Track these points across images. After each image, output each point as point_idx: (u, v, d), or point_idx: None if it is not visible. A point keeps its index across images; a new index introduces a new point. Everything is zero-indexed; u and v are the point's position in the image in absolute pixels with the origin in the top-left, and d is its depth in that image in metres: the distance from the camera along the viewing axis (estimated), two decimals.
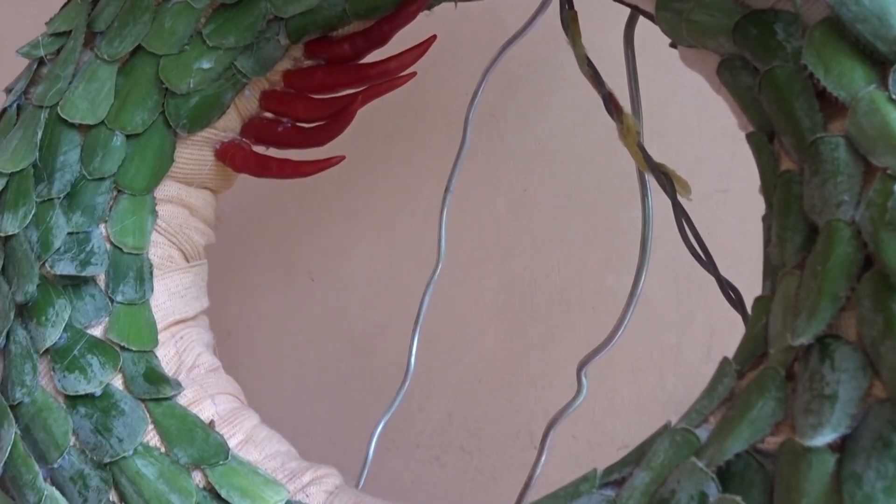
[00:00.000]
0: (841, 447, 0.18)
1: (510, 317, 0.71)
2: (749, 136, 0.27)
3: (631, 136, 0.35)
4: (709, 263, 0.34)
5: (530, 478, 0.41)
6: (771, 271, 0.24)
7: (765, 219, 0.26)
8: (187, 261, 0.34)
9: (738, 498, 0.18)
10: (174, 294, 0.33)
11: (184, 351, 0.31)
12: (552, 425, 0.41)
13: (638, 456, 0.22)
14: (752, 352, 0.23)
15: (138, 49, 0.32)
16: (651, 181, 0.37)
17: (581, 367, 0.40)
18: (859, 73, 0.22)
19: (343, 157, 0.36)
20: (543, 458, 0.41)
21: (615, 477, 0.22)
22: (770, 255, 0.24)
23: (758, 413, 0.20)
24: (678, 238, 0.36)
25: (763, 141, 0.26)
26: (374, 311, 0.73)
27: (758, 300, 0.24)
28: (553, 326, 0.70)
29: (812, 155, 0.23)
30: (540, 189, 0.69)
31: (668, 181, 0.35)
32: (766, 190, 0.26)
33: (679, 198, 0.35)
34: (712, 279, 0.35)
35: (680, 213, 0.35)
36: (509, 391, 0.72)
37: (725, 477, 0.19)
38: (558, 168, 0.68)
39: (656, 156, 0.38)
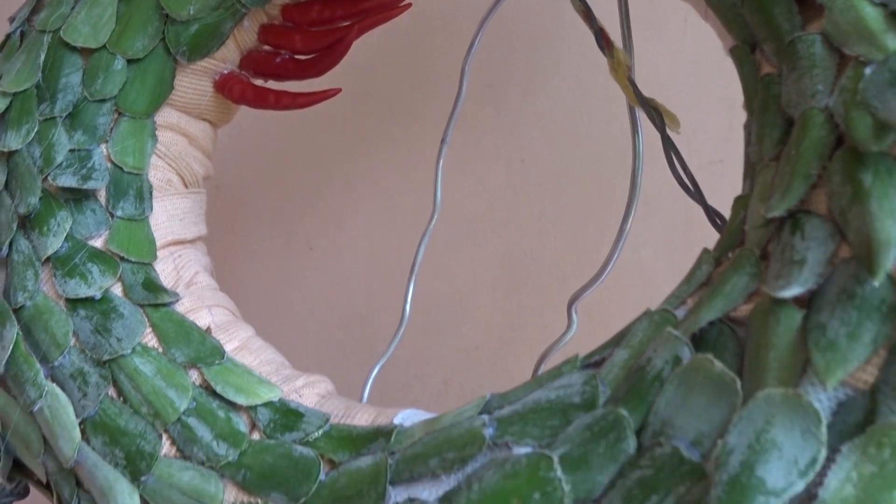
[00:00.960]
0: (807, 304, 0.19)
1: (506, 286, 0.72)
2: (732, 50, 0.28)
3: (622, 70, 0.36)
4: (696, 193, 0.35)
5: None
6: (750, 170, 0.25)
7: (746, 126, 0.27)
8: (186, 187, 0.35)
9: (710, 355, 0.19)
10: (173, 216, 0.34)
11: (182, 268, 0.32)
12: (543, 359, 0.41)
13: (618, 339, 0.23)
14: (730, 243, 0.23)
15: None
16: (641, 117, 0.38)
17: (571, 302, 0.41)
18: None
19: (339, 90, 0.37)
20: None
21: (596, 358, 0.23)
22: (749, 155, 0.25)
23: (732, 287, 0.21)
24: (665, 193, 0.37)
25: (745, 52, 0.27)
26: (373, 281, 0.74)
27: (737, 199, 0.25)
28: (549, 296, 0.71)
29: (790, 54, 0.24)
30: (538, 160, 0.70)
31: (657, 115, 0.36)
32: (748, 99, 0.27)
33: (668, 132, 0.36)
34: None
35: (669, 146, 0.36)
36: (505, 359, 0.73)
37: (699, 344, 0.20)
38: (556, 140, 0.69)
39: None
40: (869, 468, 0.16)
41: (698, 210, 0.37)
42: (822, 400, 0.18)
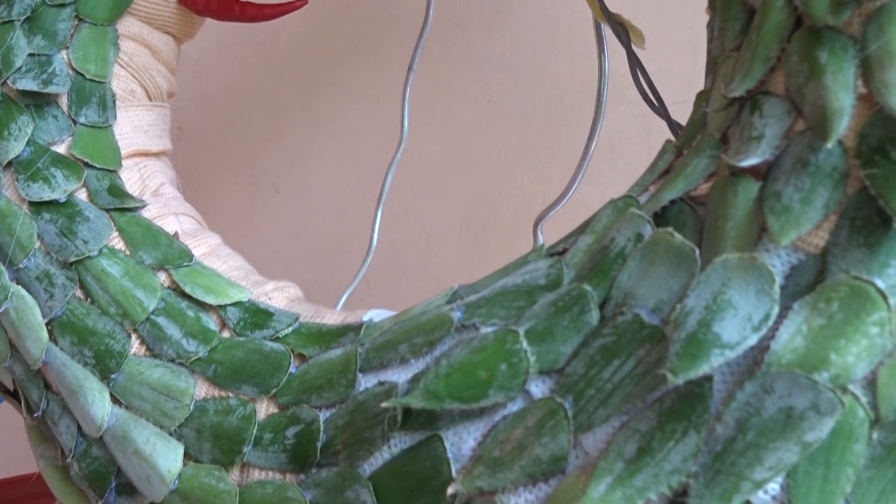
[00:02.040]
0: (764, 175, 0.19)
1: (474, 227, 0.72)
2: None
3: None
4: (660, 108, 0.36)
5: None
6: (712, 64, 0.25)
7: (708, 24, 0.27)
8: (150, 99, 0.35)
9: (671, 229, 0.20)
10: (137, 128, 0.33)
11: (147, 177, 0.32)
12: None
13: (583, 228, 0.24)
14: (692, 133, 0.24)
15: None
16: (608, 34, 0.38)
17: (537, 222, 0.42)
18: None
19: (305, 2, 0.36)
20: None
21: (561, 247, 0.23)
22: (712, 50, 0.26)
23: (692, 168, 0.21)
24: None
25: None
26: (340, 222, 0.74)
27: (699, 94, 0.26)
28: (516, 237, 0.72)
29: None
30: (505, 100, 0.70)
31: (623, 31, 0.36)
32: (711, 2, 0.27)
33: (633, 47, 0.37)
34: None
35: (634, 62, 0.36)
36: None
37: (660, 222, 0.21)
38: (523, 79, 0.69)
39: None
40: (818, 321, 0.17)
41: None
42: (776, 263, 0.18)
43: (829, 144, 0.17)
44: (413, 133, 0.54)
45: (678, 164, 0.23)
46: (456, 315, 0.22)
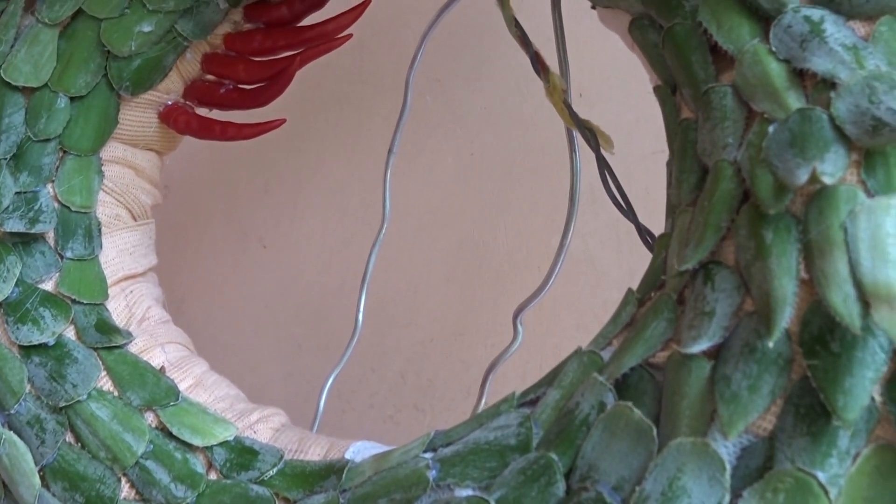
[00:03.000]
0: (715, 355, 0.21)
1: (459, 278, 0.73)
2: (655, 90, 0.30)
3: (557, 94, 0.38)
4: (629, 211, 0.37)
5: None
6: (671, 210, 0.27)
7: (668, 164, 0.28)
8: (135, 219, 0.36)
9: (630, 404, 0.21)
10: (123, 251, 0.34)
11: (134, 304, 0.33)
12: (490, 371, 0.43)
13: (551, 377, 0.25)
14: (652, 282, 0.25)
15: (79, 13, 0.33)
16: (578, 138, 0.39)
17: (517, 314, 0.43)
18: (746, 28, 0.25)
19: (284, 120, 0.37)
20: (483, 401, 0.43)
21: (531, 397, 0.25)
22: (670, 196, 0.27)
23: (651, 332, 0.23)
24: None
25: (667, 93, 0.29)
26: (327, 276, 0.75)
27: (660, 237, 0.27)
28: (501, 286, 0.73)
29: (705, 103, 0.25)
30: (487, 153, 0.71)
31: (592, 136, 0.37)
32: (669, 138, 0.28)
33: (602, 152, 0.38)
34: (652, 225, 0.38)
35: (603, 165, 0.38)
36: (460, 350, 0.75)
37: (622, 388, 0.22)
38: (504, 132, 0.70)
39: (598, 116, 0.40)
40: None
41: (645, 201, 0.38)
42: (728, 446, 0.19)
43: (771, 343, 0.19)
44: (397, 186, 0.55)
45: (639, 319, 0.24)
46: (432, 474, 0.23)
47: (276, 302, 0.77)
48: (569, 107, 0.38)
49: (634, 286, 0.28)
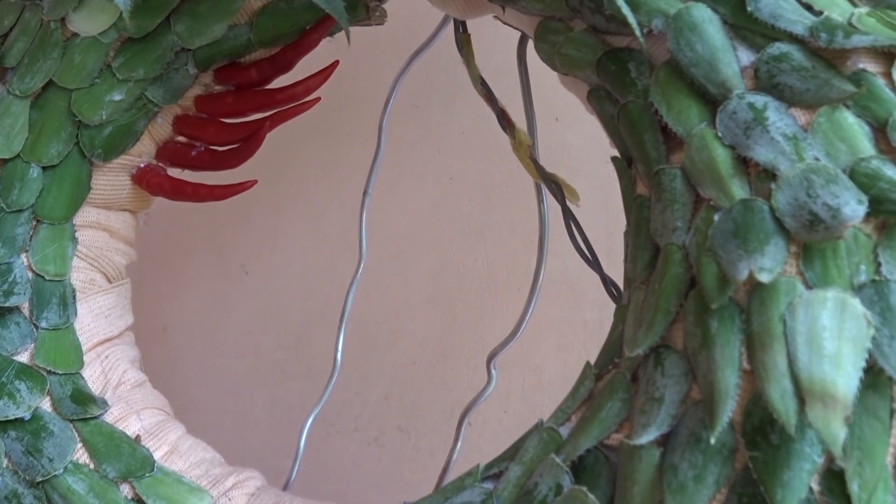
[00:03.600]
0: (664, 443, 0.21)
1: (441, 301, 0.74)
2: (613, 160, 0.30)
3: (523, 149, 0.38)
4: (594, 263, 0.38)
5: (448, 462, 0.45)
6: (627, 283, 0.28)
7: (625, 235, 0.29)
8: (109, 282, 0.36)
9: (584, 489, 0.22)
10: (98, 315, 0.35)
11: (109, 370, 0.33)
12: (465, 414, 0.44)
13: (514, 452, 0.26)
14: (610, 357, 0.26)
15: (50, 84, 0.34)
16: (546, 191, 0.40)
17: (490, 358, 0.44)
18: (694, 111, 0.26)
19: (255, 182, 0.38)
20: (459, 443, 0.44)
21: (494, 471, 0.25)
22: (627, 270, 0.28)
23: (606, 413, 0.23)
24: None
25: (623, 165, 0.29)
26: (309, 302, 0.75)
27: (618, 309, 0.28)
28: (482, 309, 0.74)
29: (656, 183, 0.26)
30: (465, 177, 0.72)
31: (557, 189, 0.38)
32: (626, 211, 0.29)
33: (568, 203, 0.39)
34: None
35: (569, 218, 0.38)
36: (443, 372, 0.75)
37: (578, 469, 0.23)
38: (482, 156, 0.71)
39: (574, 139, 0.41)
40: None
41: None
42: None
43: (713, 440, 0.19)
44: (378, 209, 0.56)
45: (597, 394, 0.25)
46: None
47: (258, 328, 0.78)
48: (535, 161, 0.39)
49: (613, 307, 0.28)
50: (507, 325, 0.60)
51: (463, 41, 0.39)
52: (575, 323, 0.69)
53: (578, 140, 0.65)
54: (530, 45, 0.40)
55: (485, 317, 0.73)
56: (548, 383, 0.72)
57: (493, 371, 0.44)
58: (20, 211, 0.33)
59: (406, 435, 0.79)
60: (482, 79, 0.39)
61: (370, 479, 0.79)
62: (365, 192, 0.52)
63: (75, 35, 0.34)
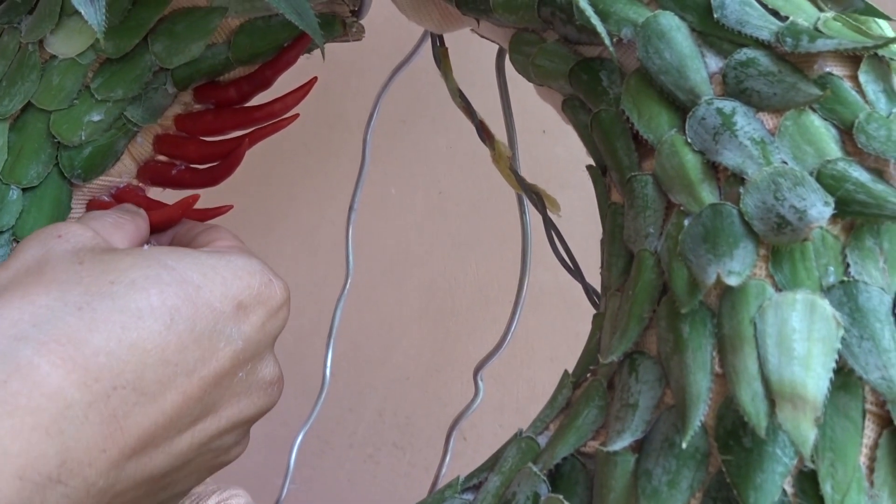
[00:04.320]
0: (639, 448, 0.21)
1: (432, 315, 0.74)
2: (588, 168, 0.31)
3: (503, 161, 0.39)
4: (576, 272, 0.38)
5: (437, 476, 0.45)
6: (604, 290, 0.28)
7: (601, 243, 0.29)
8: None
9: (562, 497, 0.22)
10: None
11: None
12: (454, 427, 0.44)
13: (493, 462, 0.26)
14: (587, 365, 0.26)
15: (28, 106, 0.34)
16: (527, 200, 0.41)
17: (477, 370, 0.44)
18: (664, 118, 0.26)
19: (231, 207, 0.38)
20: (448, 458, 0.44)
21: (474, 482, 0.25)
22: (603, 277, 0.28)
23: (583, 420, 0.23)
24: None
25: (598, 174, 0.30)
26: (301, 318, 0.75)
27: (595, 317, 0.28)
28: (473, 322, 0.74)
29: (629, 190, 0.26)
30: (454, 191, 0.72)
31: (539, 199, 0.39)
32: (602, 219, 0.29)
33: (549, 213, 0.39)
34: None
35: (550, 228, 0.39)
36: (436, 386, 0.75)
37: (555, 478, 0.23)
38: (470, 170, 0.71)
39: (562, 151, 0.41)
40: None
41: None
42: None
43: (684, 444, 0.19)
44: (366, 225, 0.56)
45: (574, 402, 0.25)
46: None
47: None
48: (515, 172, 0.39)
49: None
50: (498, 337, 0.60)
51: (441, 55, 0.39)
52: (567, 335, 0.69)
53: (566, 152, 0.65)
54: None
55: (477, 330, 0.73)
56: (541, 395, 0.72)
57: (479, 383, 0.44)
58: (0, 233, 0.33)
59: (401, 451, 0.79)
60: (461, 91, 0.39)
61: (366, 496, 0.79)
62: (350, 208, 0.53)
63: (53, 57, 0.34)
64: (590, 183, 0.61)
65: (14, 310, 0.23)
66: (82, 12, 0.28)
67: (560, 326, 0.69)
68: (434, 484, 0.45)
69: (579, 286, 0.64)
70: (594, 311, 0.39)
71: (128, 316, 0.24)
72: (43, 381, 0.22)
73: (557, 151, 0.65)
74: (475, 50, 0.47)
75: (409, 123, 0.73)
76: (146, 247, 0.29)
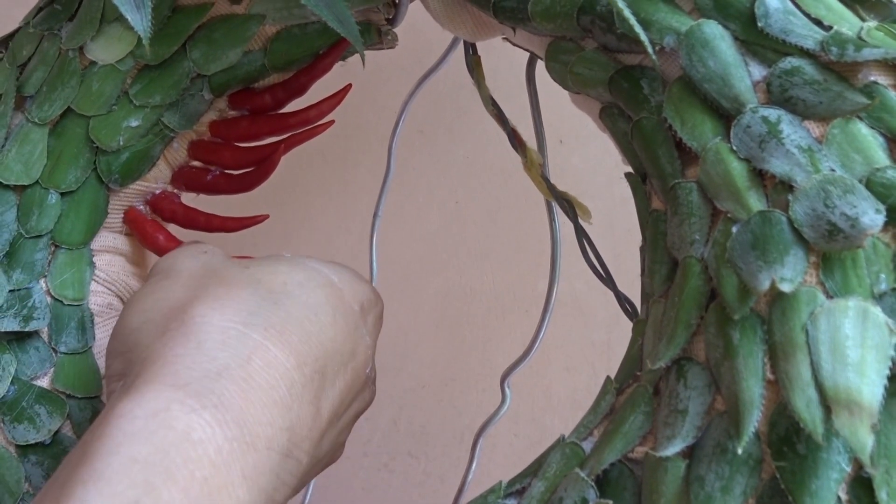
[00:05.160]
0: (690, 454, 0.21)
1: (449, 324, 0.74)
2: (627, 176, 0.31)
3: (535, 168, 0.39)
4: (608, 279, 0.38)
5: (463, 483, 0.44)
6: (645, 298, 0.28)
7: (641, 250, 0.29)
8: None
9: (610, 502, 0.22)
10: None
11: None
12: (480, 434, 0.44)
13: (536, 467, 0.26)
14: (630, 371, 0.26)
15: (68, 111, 0.34)
16: (558, 209, 0.41)
17: (504, 378, 0.44)
18: (708, 126, 0.26)
19: (267, 216, 0.39)
20: (474, 465, 0.44)
21: (517, 487, 0.25)
22: (644, 284, 0.28)
23: (629, 426, 0.24)
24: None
25: (637, 181, 0.30)
26: None
27: (636, 324, 0.28)
28: (490, 331, 0.74)
29: (672, 198, 0.26)
30: (471, 201, 0.72)
31: (570, 207, 0.39)
32: (641, 226, 0.29)
33: (580, 221, 0.39)
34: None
35: (581, 235, 0.39)
36: (451, 395, 0.75)
37: (603, 483, 0.23)
38: (487, 180, 0.71)
39: (578, 162, 0.41)
40: None
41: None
42: None
43: (739, 450, 0.19)
44: (384, 235, 0.56)
45: (618, 408, 0.25)
46: None
47: None
48: (546, 180, 0.39)
49: (620, 328, 0.28)
50: (515, 346, 0.60)
51: (473, 63, 0.39)
52: (583, 344, 0.69)
53: (582, 163, 0.65)
54: (539, 64, 0.41)
55: (493, 339, 0.73)
56: (557, 405, 0.72)
57: (507, 390, 0.44)
58: (39, 237, 0.34)
59: (416, 460, 0.78)
60: (493, 99, 0.40)
61: None
62: (375, 215, 0.53)
63: (93, 63, 0.34)
64: (606, 193, 0.62)
65: (230, 301, 0.25)
66: (129, 19, 0.28)
67: (576, 336, 0.69)
68: (460, 491, 0.45)
69: (596, 296, 0.64)
70: (611, 321, 0.39)
71: (308, 311, 0.27)
72: (274, 361, 0.24)
73: (574, 161, 0.65)
74: (499, 58, 0.48)
75: (427, 134, 0.73)
76: (287, 255, 0.31)
